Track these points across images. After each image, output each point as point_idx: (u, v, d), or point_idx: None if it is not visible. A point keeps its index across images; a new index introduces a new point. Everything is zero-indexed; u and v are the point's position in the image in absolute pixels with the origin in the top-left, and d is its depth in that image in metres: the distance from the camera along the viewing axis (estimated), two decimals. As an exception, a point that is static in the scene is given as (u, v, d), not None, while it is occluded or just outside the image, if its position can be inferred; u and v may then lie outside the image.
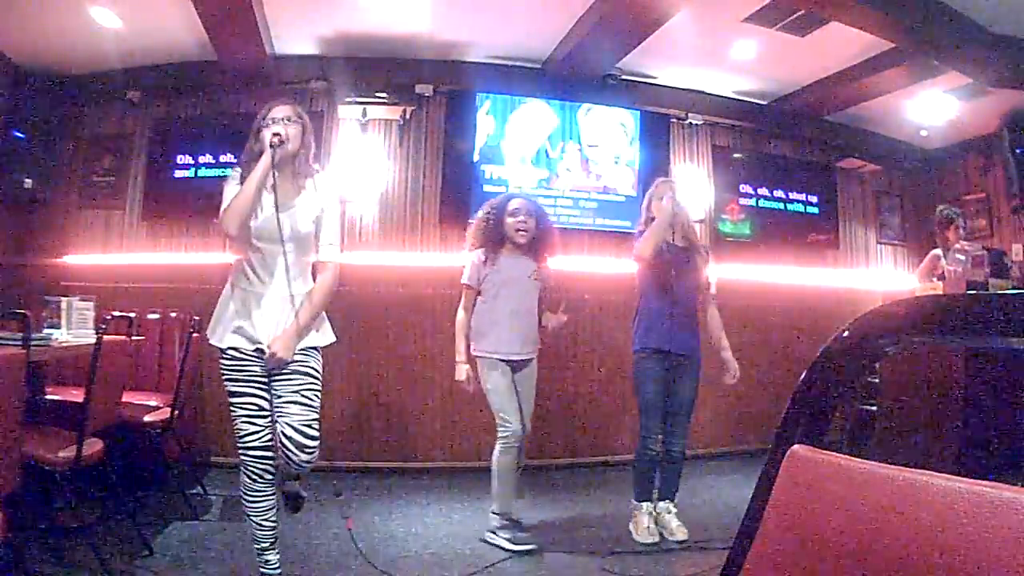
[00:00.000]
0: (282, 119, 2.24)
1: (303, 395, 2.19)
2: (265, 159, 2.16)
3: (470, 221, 3.27)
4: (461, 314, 3.09)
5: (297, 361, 2.20)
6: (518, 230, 3.04)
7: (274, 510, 2.23)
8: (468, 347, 3.05)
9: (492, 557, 2.84)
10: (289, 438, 2.15)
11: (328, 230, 2.30)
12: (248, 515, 2.21)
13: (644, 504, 3.13)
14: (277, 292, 2.21)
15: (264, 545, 2.23)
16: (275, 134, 2.18)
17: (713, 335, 3.23)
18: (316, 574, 2.62)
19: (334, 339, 2.37)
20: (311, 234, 2.27)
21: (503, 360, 3.00)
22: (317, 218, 2.28)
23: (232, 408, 2.20)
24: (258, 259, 2.22)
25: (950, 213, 4.23)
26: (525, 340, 3.05)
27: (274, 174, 2.17)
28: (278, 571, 2.25)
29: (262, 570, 2.24)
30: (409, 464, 4.35)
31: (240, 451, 2.19)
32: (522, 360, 3.05)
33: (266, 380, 2.20)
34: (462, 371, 3.03)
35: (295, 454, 2.16)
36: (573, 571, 2.75)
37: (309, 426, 2.17)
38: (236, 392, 2.19)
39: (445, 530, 3.20)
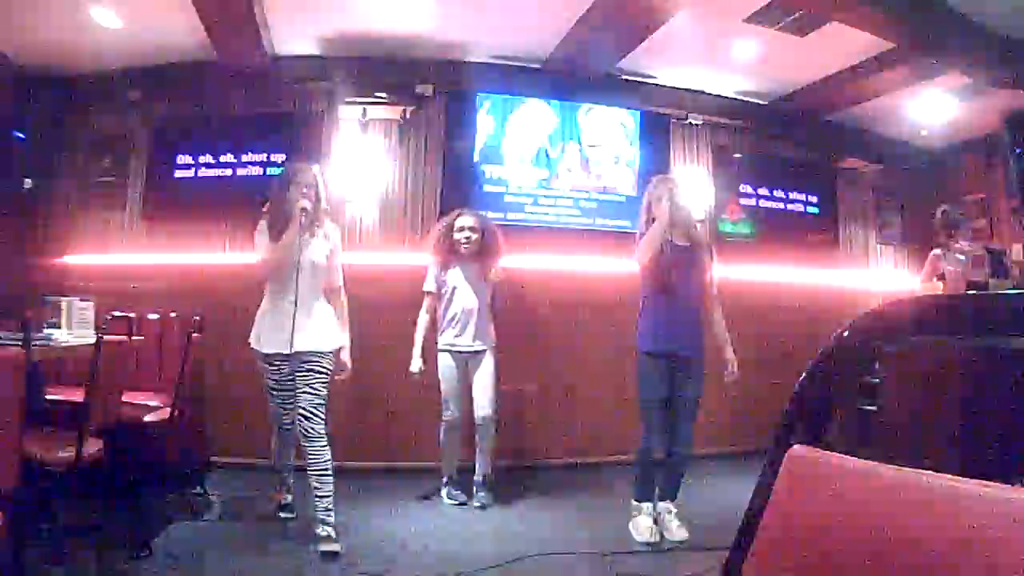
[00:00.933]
0: (307, 184, 2.97)
1: (312, 387, 2.90)
2: (294, 227, 2.89)
3: (431, 231, 3.77)
4: (423, 315, 3.66)
5: (313, 362, 2.91)
6: (462, 243, 3.59)
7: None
8: (423, 345, 3.62)
9: (492, 557, 2.84)
10: (300, 414, 2.88)
11: (338, 264, 3.10)
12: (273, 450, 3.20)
13: (644, 504, 3.12)
14: (303, 307, 2.93)
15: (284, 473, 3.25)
16: (303, 208, 2.90)
17: (717, 335, 3.22)
18: (315, 573, 2.62)
19: (345, 343, 3.09)
20: (324, 265, 3.01)
21: (456, 352, 3.58)
22: (329, 253, 3.04)
23: (270, 397, 3.06)
24: (288, 285, 2.92)
25: (957, 217, 4.22)
26: (476, 335, 3.58)
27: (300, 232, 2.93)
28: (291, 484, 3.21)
29: (282, 486, 3.23)
30: (409, 464, 4.34)
31: (272, 425, 3.15)
32: (474, 352, 3.59)
33: (290, 373, 2.95)
34: (416, 364, 3.59)
35: (303, 424, 2.87)
36: (573, 571, 2.75)
37: (315, 407, 2.89)
38: (273, 388, 3.03)
39: (445, 530, 3.20)
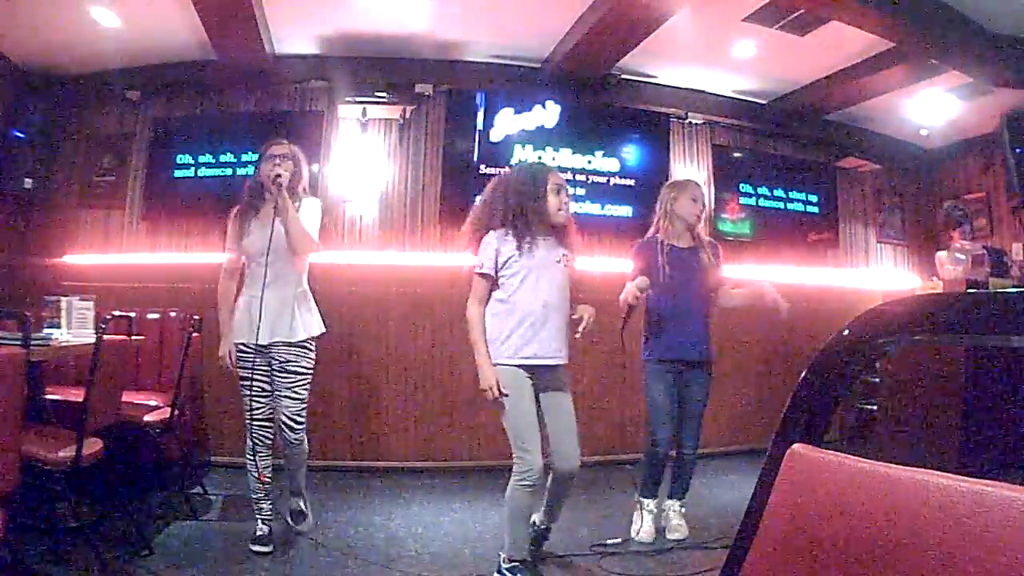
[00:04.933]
0: (280, 156, 2.76)
1: (295, 391, 2.78)
2: (281, 198, 2.70)
3: (483, 199, 2.70)
4: (475, 308, 2.50)
5: (292, 360, 2.76)
6: (561, 209, 2.52)
7: (270, 468, 2.83)
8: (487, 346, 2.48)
9: (491, 557, 2.83)
10: (283, 423, 2.78)
11: (312, 225, 2.81)
12: (249, 471, 2.80)
13: (648, 501, 3.11)
14: (275, 296, 2.74)
15: (259, 496, 2.82)
16: (276, 177, 2.69)
17: (731, 302, 3.12)
18: (317, 574, 2.62)
19: (323, 329, 2.87)
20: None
21: (530, 367, 2.44)
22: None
23: (242, 388, 2.80)
24: (254, 272, 2.79)
25: (957, 215, 4.23)
26: (560, 341, 2.50)
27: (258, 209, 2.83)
28: (270, 517, 2.83)
29: (257, 516, 2.80)
30: (409, 464, 4.35)
31: (247, 421, 2.80)
32: (553, 367, 2.49)
33: (268, 367, 2.77)
34: (489, 376, 2.41)
35: (287, 433, 2.79)
36: (573, 571, 2.74)
37: (299, 414, 2.79)
38: (245, 377, 2.78)
39: (445, 530, 3.20)
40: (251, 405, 2.76)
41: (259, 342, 2.70)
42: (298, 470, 2.93)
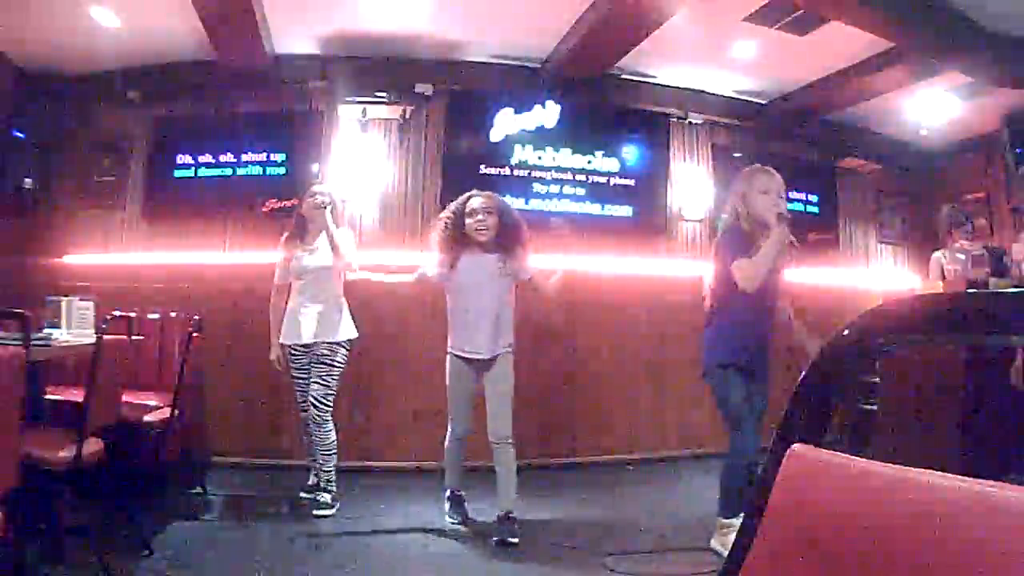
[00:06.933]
0: (319, 194, 3.42)
1: (323, 378, 3.34)
2: (313, 230, 3.46)
3: (436, 220, 3.27)
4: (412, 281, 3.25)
5: (326, 355, 3.34)
6: (477, 230, 3.07)
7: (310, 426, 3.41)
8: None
9: (492, 557, 2.84)
10: (312, 403, 3.32)
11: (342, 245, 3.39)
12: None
13: (735, 520, 2.76)
14: (317, 305, 3.38)
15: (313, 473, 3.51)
16: (319, 205, 3.35)
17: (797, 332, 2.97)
18: (316, 572, 2.62)
19: (356, 334, 3.44)
20: (332, 268, 3.38)
21: (465, 358, 3.10)
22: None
23: (293, 380, 3.48)
24: (299, 286, 3.42)
25: (959, 217, 4.23)
26: (488, 339, 3.05)
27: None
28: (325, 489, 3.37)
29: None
30: (409, 464, 4.35)
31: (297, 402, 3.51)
32: (486, 359, 3.06)
33: (307, 363, 3.39)
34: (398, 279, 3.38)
35: (312, 412, 3.32)
36: (574, 571, 2.75)
37: (324, 398, 3.33)
38: (292, 367, 3.46)
39: (446, 530, 3.20)
40: (298, 396, 3.44)
41: (303, 342, 3.35)
42: (323, 456, 3.32)
